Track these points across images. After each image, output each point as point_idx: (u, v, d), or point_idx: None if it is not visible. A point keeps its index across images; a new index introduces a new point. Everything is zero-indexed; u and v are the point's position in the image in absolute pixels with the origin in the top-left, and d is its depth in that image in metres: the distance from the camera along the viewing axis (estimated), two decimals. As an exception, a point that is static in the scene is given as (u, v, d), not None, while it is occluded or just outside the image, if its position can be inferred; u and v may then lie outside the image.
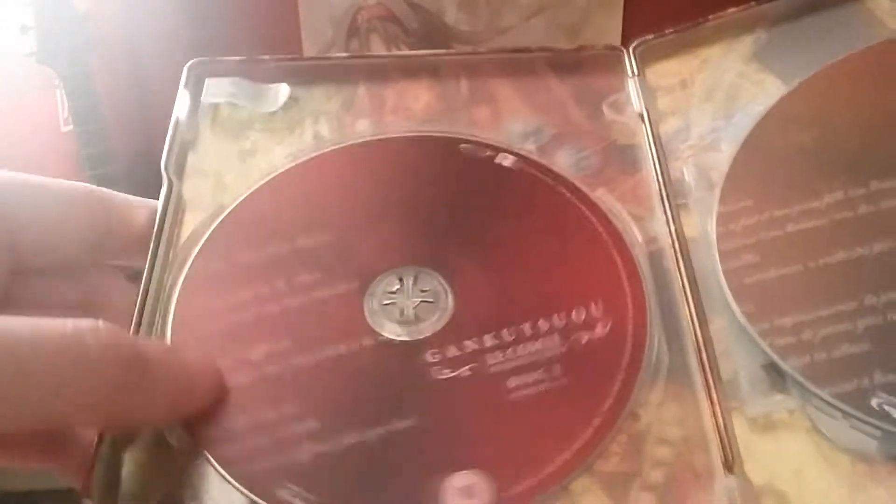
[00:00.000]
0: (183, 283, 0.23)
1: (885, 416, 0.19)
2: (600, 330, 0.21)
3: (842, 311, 0.20)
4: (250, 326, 0.22)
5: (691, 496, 0.19)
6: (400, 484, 0.19)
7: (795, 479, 0.19)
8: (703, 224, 0.24)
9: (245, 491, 0.19)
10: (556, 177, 0.25)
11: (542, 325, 0.22)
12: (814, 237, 0.22)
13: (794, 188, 0.23)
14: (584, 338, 0.21)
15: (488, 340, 0.21)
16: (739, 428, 0.20)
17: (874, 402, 0.19)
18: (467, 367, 0.21)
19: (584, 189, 0.25)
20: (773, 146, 0.25)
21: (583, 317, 0.22)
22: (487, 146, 0.26)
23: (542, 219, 0.24)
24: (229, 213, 0.25)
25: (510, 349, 0.21)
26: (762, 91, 0.26)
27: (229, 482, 0.19)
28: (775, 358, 0.20)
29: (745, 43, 0.27)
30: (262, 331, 0.22)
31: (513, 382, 0.21)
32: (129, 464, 0.20)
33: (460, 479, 0.19)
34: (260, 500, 0.19)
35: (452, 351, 0.21)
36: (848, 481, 0.19)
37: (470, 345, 0.21)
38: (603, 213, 0.24)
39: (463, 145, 0.26)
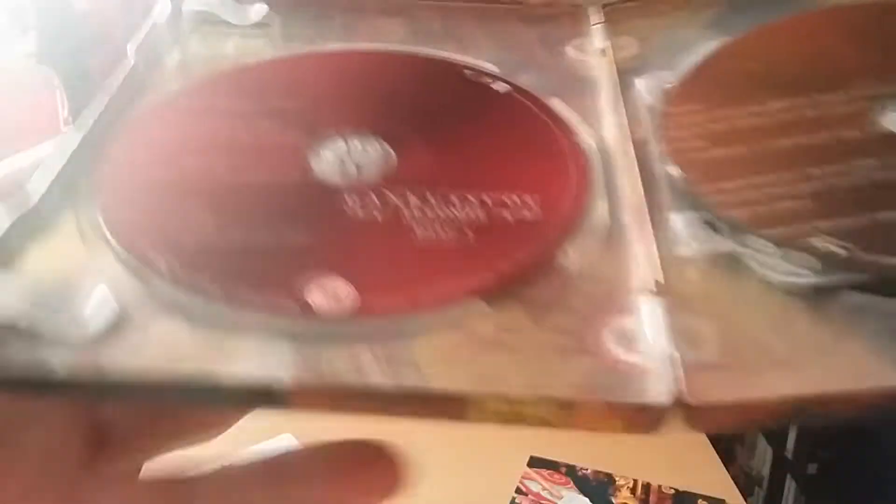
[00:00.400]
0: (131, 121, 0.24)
1: (824, 256, 0.18)
2: (528, 213, 0.21)
3: (784, 177, 0.20)
4: (190, 143, 0.23)
5: (616, 321, 0.18)
6: (270, 280, 0.19)
7: (725, 316, 0.18)
8: (653, 126, 0.24)
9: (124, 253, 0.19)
10: (517, 87, 0.26)
11: (471, 197, 0.21)
12: (759, 128, 0.22)
13: (742, 98, 0.24)
14: (509, 216, 0.21)
15: (412, 198, 0.21)
16: (674, 269, 0.19)
17: (813, 242, 0.18)
18: (381, 211, 0.21)
19: (540, 96, 0.25)
20: (723, 69, 0.25)
21: (515, 200, 0.21)
22: (455, 62, 0.27)
23: (495, 114, 0.25)
24: (191, 84, 0.26)
25: (430, 209, 0.21)
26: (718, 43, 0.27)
27: (112, 247, 0.20)
28: (717, 211, 0.20)
29: (706, 15, 0.29)
30: (199, 149, 0.23)
31: (421, 233, 0.20)
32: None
33: (328, 282, 0.19)
34: (137, 262, 0.19)
35: (373, 198, 0.21)
36: (776, 318, 0.18)
37: (393, 198, 0.21)
38: (555, 112, 0.25)
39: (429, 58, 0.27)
